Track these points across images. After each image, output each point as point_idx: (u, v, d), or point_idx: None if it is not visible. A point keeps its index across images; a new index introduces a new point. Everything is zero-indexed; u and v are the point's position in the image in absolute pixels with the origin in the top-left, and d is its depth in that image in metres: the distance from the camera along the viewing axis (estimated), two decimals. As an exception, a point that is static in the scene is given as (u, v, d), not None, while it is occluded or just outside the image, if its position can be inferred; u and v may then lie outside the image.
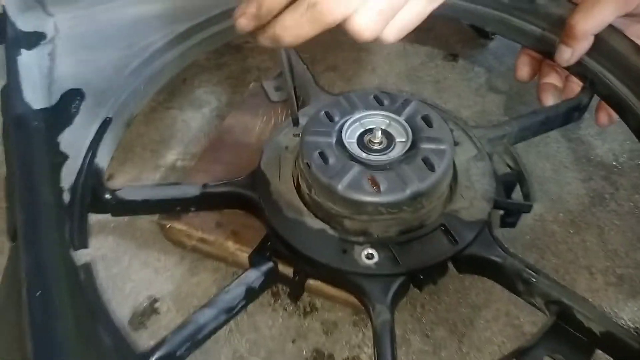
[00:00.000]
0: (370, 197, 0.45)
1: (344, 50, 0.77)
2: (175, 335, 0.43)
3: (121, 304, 0.54)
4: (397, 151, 0.48)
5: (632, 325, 0.51)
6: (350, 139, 0.49)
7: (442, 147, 0.48)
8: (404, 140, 0.49)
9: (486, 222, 0.48)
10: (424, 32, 0.78)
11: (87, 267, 0.43)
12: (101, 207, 0.51)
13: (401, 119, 0.50)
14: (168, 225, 0.54)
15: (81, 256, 0.43)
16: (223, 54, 0.77)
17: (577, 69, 0.58)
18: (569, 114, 0.59)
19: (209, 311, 0.44)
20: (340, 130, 0.49)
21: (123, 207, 0.52)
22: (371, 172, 0.46)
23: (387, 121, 0.50)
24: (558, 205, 0.59)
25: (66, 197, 0.45)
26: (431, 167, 0.46)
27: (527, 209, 0.52)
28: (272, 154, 0.54)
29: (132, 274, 0.56)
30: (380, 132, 0.48)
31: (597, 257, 0.55)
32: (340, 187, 0.45)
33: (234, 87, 0.73)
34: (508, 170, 0.55)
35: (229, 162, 0.58)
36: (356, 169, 0.46)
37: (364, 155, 0.47)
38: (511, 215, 0.53)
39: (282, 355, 0.50)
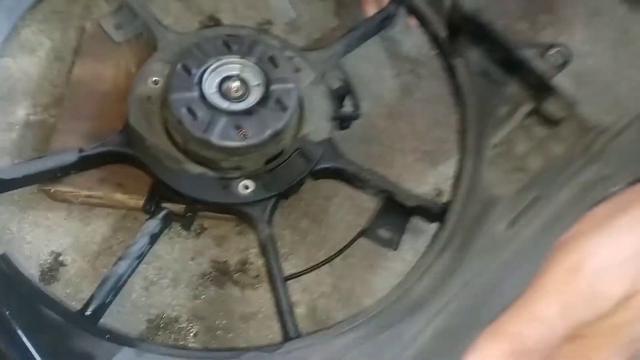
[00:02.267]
0: (239, 142, 0.54)
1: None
2: (101, 289, 0.51)
3: (26, 266, 0.59)
4: (253, 96, 0.56)
5: (434, 187, 0.71)
6: (210, 89, 0.56)
7: (290, 86, 0.57)
8: (257, 83, 0.57)
9: (330, 139, 0.61)
10: None
11: (4, 258, 0.48)
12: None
13: (252, 62, 0.57)
14: (52, 190, 0.58)
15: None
16: (38, -18, 0.72)
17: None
18: (382, 24, 0.71)
19: (124, 263, 0.52)
20: (200, 83, 0.55)
21: (4, 186, 0.55)
22: (236, 120, 0.55)
23: (240, 66, 0.57)
24: (379, 101, 0.74)
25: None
26: (283, 108, 0.56)
27: (357, 117, 0.66)
28: (138, 107, 0.58)
29: (26, 236, 0.61)
30: (236, 83, 0.56)
31: (407, 140, 0.73)
32: (213, 138, 0.54)
33: (63, 21, 0.71)
34: (339, 84, 0.67)
35: (91, 116, 0.61)
36: (223, 119, 0.54)
37: (226, 105, 0.55)
38: (345, 121, 0.67)
39: (186, 272, 0.62)
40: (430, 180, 0.71)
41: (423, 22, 0.68)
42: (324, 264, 0.59)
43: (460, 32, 0.63)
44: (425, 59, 0.79)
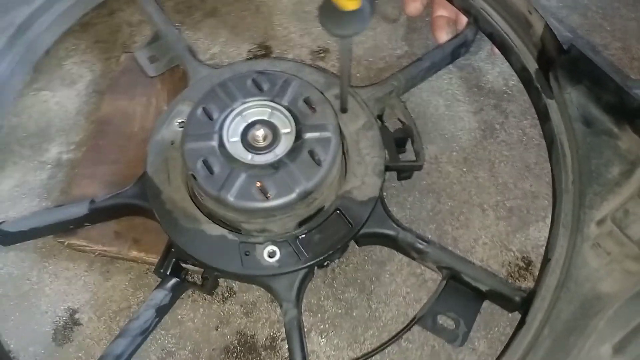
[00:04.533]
0: (260, 203, 0.45)
1: (222, -12, 0.70)
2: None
3: (41, 322, 0.54)
4: (282, 146, 0.47)
5: (519, 255, 0.56)
6: (233, 137, 0.47)
7: (327, 134, 0.47)
8: (288, 131, 0.47)
9: (378, 197, 0.49)
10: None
11: None
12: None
13: (283, 106, 0.48)
14: (66, 243, 0.53)
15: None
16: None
17: (461, 4, 0.55)
18: (456, 52, 0.58)
19: (123, 341, 0.45)
20: (221, 130, 0.47)
21: (11, 239, 0.50)
22: (259, 177, 0.45)
23: (269, 110, 0.48)
24: (452, 143, 0.61)
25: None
26: (318, 161, 0.46)
27: (418, 168, 0.53)
28: (158, 153, 0.51)
29: (45, 288, 0.56)
30: (262, 130, 0.46)
31: (488, 193, 0.59)
32: (229, 197, 0.45)
33: (106, 51, 0.66)
34: (399, 125, 0.55)
35: (114, 160, 0.55)
36: (243, 176, 0.45)
37: (249, 157, 0.46)
38: (404, 172, 0.55)
39: (208, 344, 0.53)
40: (516, 245, 0.57)
41: (507, 52, 0.54)
42: (368, 357, 0.47)
43: (556, 65, 0.49)
44: (515, 92, 0.64)
